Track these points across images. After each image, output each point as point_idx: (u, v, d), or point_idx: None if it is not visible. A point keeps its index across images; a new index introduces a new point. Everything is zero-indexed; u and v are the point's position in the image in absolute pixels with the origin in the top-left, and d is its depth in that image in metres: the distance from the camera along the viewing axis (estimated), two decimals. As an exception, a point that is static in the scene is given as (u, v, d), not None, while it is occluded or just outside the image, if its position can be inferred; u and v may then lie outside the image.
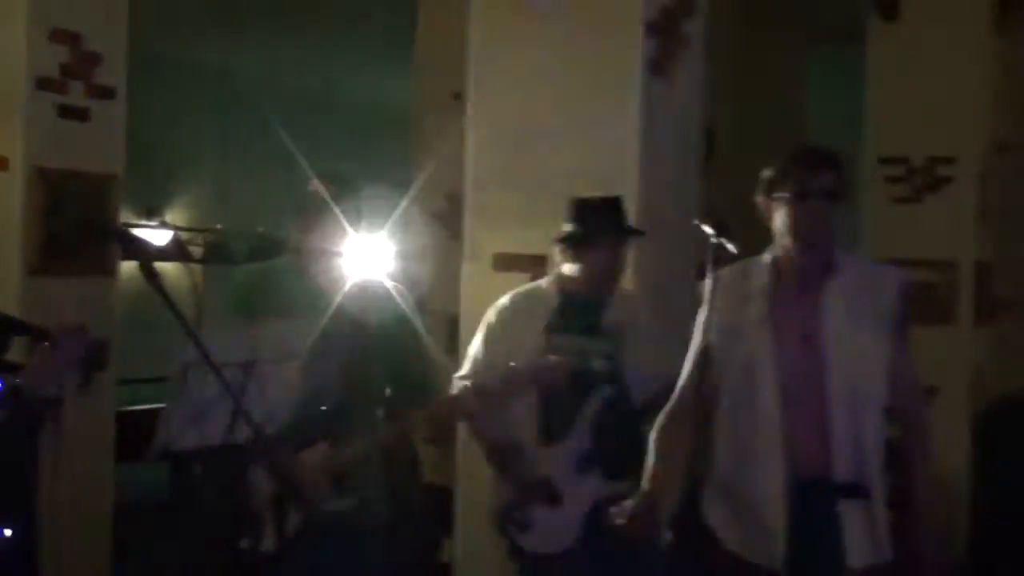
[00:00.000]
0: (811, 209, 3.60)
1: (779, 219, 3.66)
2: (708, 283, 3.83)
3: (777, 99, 9.45)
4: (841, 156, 3.81)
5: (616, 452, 4.26)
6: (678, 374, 3.99)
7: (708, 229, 3.60)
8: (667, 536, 3.94)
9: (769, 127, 8.78)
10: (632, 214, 4.68)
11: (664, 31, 5.16)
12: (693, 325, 3.92)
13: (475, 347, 4.49)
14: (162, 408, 3.31)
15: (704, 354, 3.78)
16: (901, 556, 3.72)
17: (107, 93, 5.84)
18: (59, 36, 5.58)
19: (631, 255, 4.62)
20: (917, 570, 3.74)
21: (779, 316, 3.68)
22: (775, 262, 3.72)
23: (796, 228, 3.62)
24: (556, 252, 4.49)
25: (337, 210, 4.01)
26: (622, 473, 4.17)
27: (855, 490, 3.61)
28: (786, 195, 3.62)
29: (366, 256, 4.09)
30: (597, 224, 4.38)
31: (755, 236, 3.84)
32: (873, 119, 8.27)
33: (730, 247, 3.57)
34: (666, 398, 4.02)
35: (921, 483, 3.77)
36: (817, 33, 9.71)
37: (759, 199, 3.74)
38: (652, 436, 3.92)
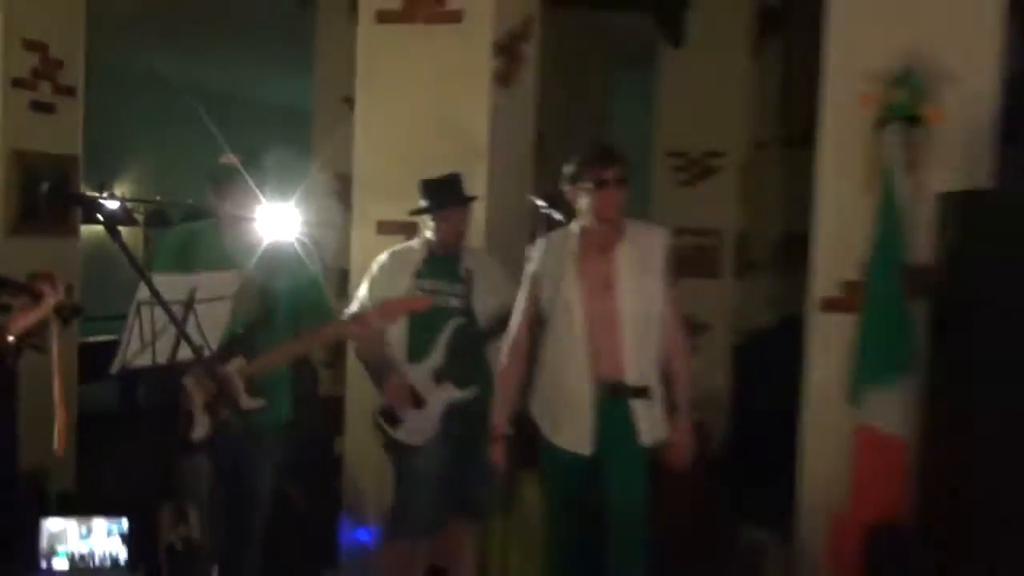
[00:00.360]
0: (605, 195, 3.87)
1: (583, 202, 3.91)
2: (537, 244, 4.15)
3: (591, 107, 9.47)
4: (624, 152, 4.04)
5: (464, 367, 4.36)
6: (510, 308, 4.21)
7: (540, 202, 3.99)
8: (509, 429, 4.05)
9: (585, 129, 8.82)
10: (481, 191, 4.78)
11: (507, 52, 5.19)
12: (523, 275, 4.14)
13: (362, 290, 4.49)
14: (119, 337, 3.28)
15: (532, 299, 4.04)
16: (670, 438, 3.99)
17: (69, 92, 6.05)
18: (31, 46, 5.75)
19: (478, 218, 4.71)
20: (678, 446, 3.99)
21: (586, 270, 3.94)
22: (582, 231, 3.98)
23: (595, 209, 3.89)
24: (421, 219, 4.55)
25: (246, 178, 3.90)
26: (468, 383, 4.34)
27: (641, 391, 3.89)
28: (588, 185, 3.87)
29: (278, 221, 4.01)
30: (440, 197, 4.41)
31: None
32: (662, 122, 8.59)
33: (557, 216, 3.95)
34: (502, 326, 4.25)
35: (681, 388, 4.02)
36: (622, 57, 9.70)
37: (566, 187, 3.98)
38: (499, 370, 4.13)
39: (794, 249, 6.18)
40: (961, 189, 4.21)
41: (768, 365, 4.90)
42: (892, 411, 4.33)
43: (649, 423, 3.92)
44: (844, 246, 4.55)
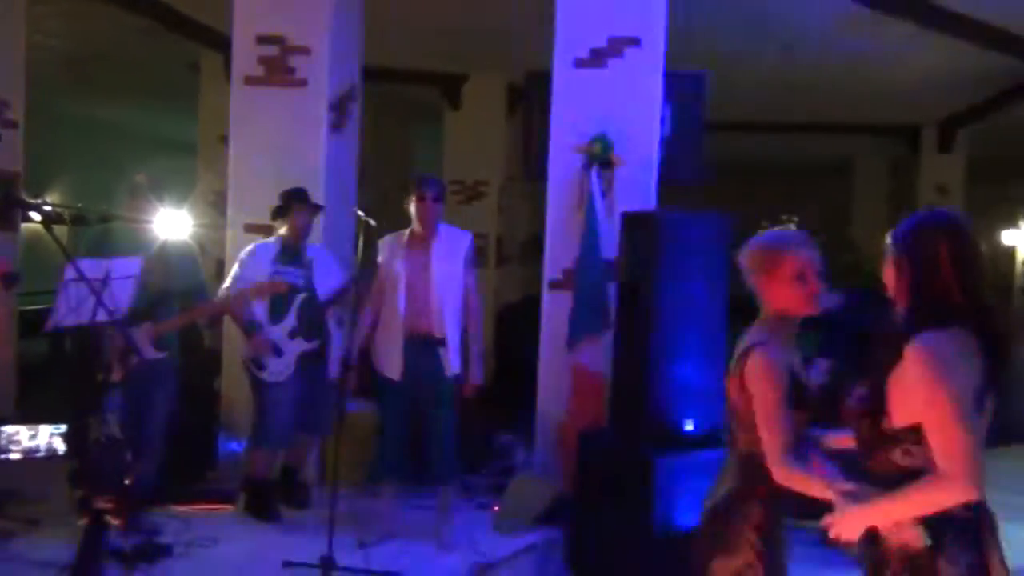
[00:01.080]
0: (425, 207, 4.03)
1: (413, 211, 4.06)
2: (384, 241, 4.14)
3: (398, 148, 9.49)
4: (440, 180, 4.26)
5: (310, 327, 4.33)
6: (344, 287, 4.30)
7: (361, 214, 3.98)
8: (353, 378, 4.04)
9: (393, 164, 8.96)
10: (320, 201, 4.64)
11: (338, 108, 5.13)
12: (352, 263, 4.18)
13: (234, 272, 4.36)
14: (52, 306, 3.24)
15: (380, 277, 4.11)
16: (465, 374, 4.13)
17: (12, 125, 5.75)
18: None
19: (317, 224, 4.59)
20: (469, 380, 4.16)
21: (410, 258, 4.05)
22: (411, 231, 4.11)
23: (419, 217, 4.05)
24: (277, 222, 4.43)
25: (151, 191, 3.94)
26: (313, 338, 4.32)
27: (443, 341, 4.02)
28: (415, 200, 4.02)
29: (172, 223, 4.02)
30: (293, 201, 4.34)
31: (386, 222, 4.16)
32: (448, 160, 8.74)
33: (372, 222, 3.92)
34: (335, 299, 4.34)
35: (475, 342, 4.17)
36: (419, 115, 9.63)
37: (406, 201, 4.09)
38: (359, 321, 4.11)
39: (534, 248, 6.37)
40: (636, 210, 4.38)
41: (518, 327, 5.00)
42: (596, 355, 4.50)
43: (449, 363, 4.04)
44: (564, 246, 4.67)
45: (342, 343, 4.22)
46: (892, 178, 13.00)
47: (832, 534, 1.91)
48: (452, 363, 4.07)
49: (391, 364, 4.05)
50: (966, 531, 1.85)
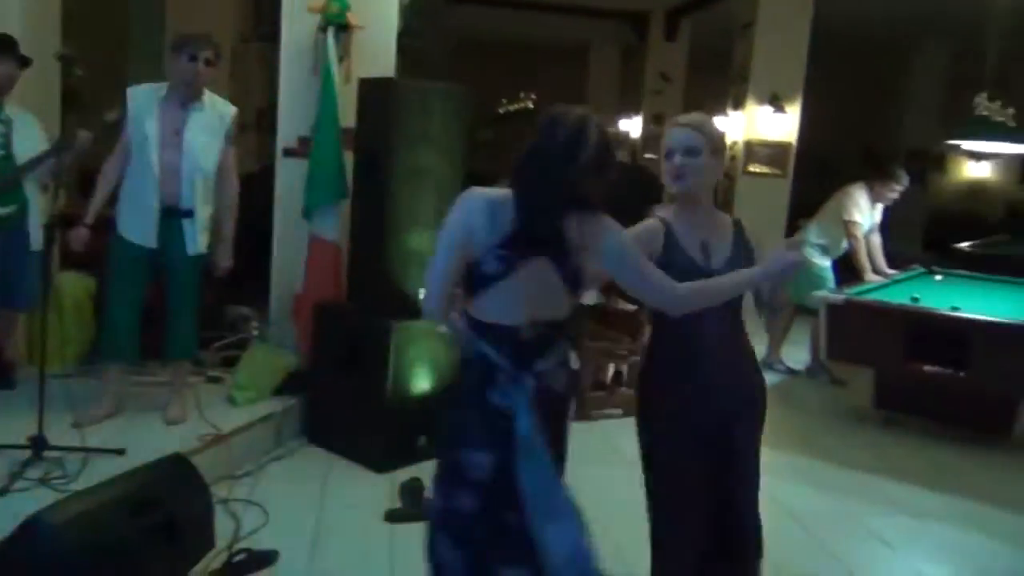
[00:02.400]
0: (196, 69, 3.63)
1: (177, 71, 3.65)
2: (129, 93, 3.71)
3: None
4: (215, 42, 3.77)
5: (4, 190, 3.91)
6: (46, 154, 3.80)
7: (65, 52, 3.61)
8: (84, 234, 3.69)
9: (106, 18, 8.16)
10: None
11: None
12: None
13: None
14: None
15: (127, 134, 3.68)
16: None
17: None
18: None
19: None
20: (219, 261, 3.89)
21: (164, 119, 3.67)
22: (168, 91, 3.69)
23: (187, 79, 3.65)
24: None
25: None
26: (9, 203, 3.92)
27: (190, 214, 3.72)
28: (184, 58, 3.61)
29: None
30: None
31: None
32: (170, 17, 7.90)
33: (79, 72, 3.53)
34: (34, 164, 3.86)
35: (225, 219, 3.92)
36: None
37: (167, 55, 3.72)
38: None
39: (268, 115, 6.12)
40: (373, 76, 4.33)
41: (255, 198, 4.80)
42: (332, 225, 4.42)
43: (192, 237, 3.77)
44: (299, 112, 4.54)
45: (48, 209, 3.84)
46: (623, 64, 13.72)
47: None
48: (198, 240, 3.81)
49: (141, 231, 3.73)
50: None
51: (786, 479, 4.33)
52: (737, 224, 2.47)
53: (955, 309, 4.74)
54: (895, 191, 5.93)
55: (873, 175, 6.03)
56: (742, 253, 2.40)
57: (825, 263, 6.15)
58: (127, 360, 3.91)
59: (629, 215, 2.29)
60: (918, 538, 3.75)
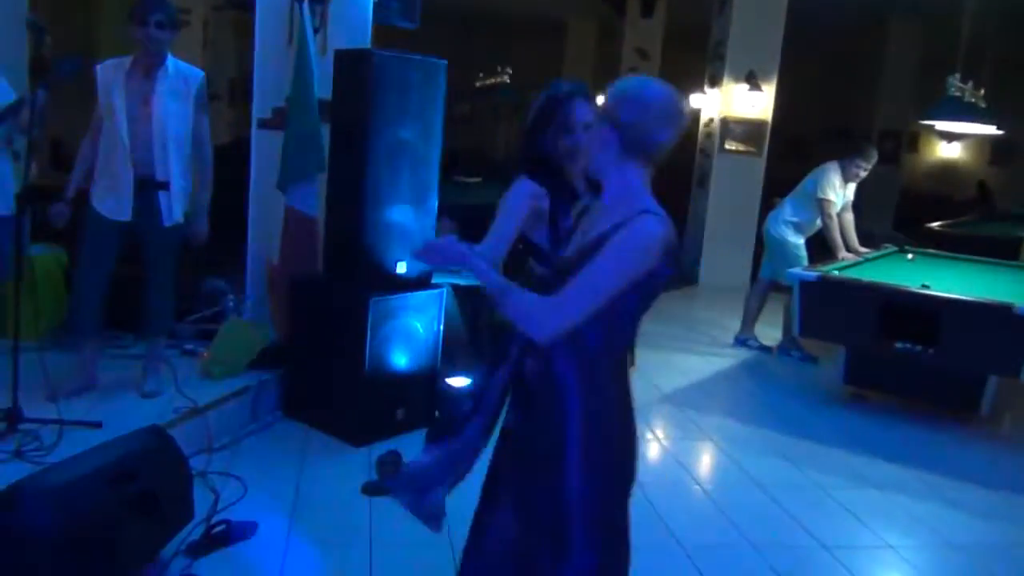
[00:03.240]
0: (148, 33, 3.58)
1: (136, 38, 3.62)
2: (99, 68, 3.70)
3: None
4: (169, 4, 3.71)
5: None
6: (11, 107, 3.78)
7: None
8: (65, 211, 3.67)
9: None
10: None
11: None
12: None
13: None
14: None
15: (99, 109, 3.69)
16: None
17: None
18: None
19: None
20: (195, 232, 3.89)
21: (131, 89, 3.64)
22: (133, 61, 3.68)
23: (144, 44, 3.63)
24: None
25: None
26: None
27: (165, 185, 3.70)
28: (136, 24, 3.60)
29: None
30: None
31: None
32: None
33: (48, 39, 3.48)
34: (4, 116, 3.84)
35: (201, 188, 3.90)
36: None
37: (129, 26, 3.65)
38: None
39: (243, 86, 6.07)
40: (349, 48, 4.28)
41: (227, 172, 4.75)
42: (308, 198, 4.40)
43: (167, 208, 3.74)
44: (274, 83, 4.49)
45: (20, 178, 3.79)
46: (600, 40, 13.68)
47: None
48: (174, 211, 3.77)
49: (115, 204, 3.69)
50: None
51: (756, 453, 4.41)
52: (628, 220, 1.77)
53: (926, 287, 4.83)
54: (864, 169, 5.99)
55: (847, 155, 6.08)
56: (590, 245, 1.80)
57: (799, 241, 6.22)
58: (94, 333, 3.87)
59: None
60: (886, 511, 3.84)
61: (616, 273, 1.72)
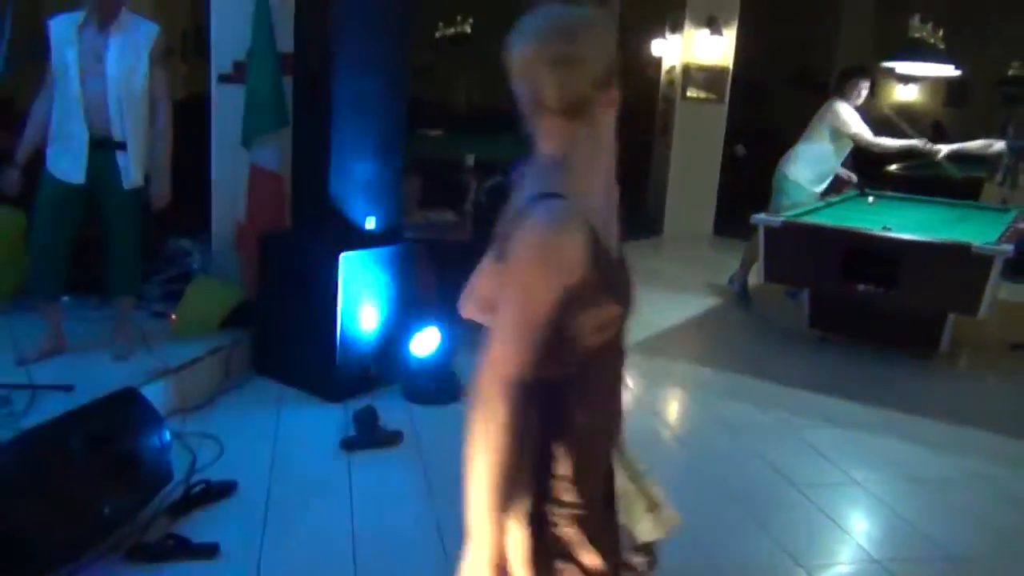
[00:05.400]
0: None
1: None
2: (51, 23, 3.58)
3: None
4: None
5: None
6: None
7: None
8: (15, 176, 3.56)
9: None
10: None
11: None
12: None
13: None
14: None
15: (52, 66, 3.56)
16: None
17: None
18: None
19: None
20: (157, 194, 3.77)
21: (84, 45, 3.53)
22: (85, 16, 3.56)
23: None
24: None
25: None
26: None
27: (123, 145, 3.60)
28: None
29: None
30: None
31: None
32: None
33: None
34: None
35: (160, 148, 3.77)
36: None
37: None
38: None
39: (195, 39, 5.91)
40: None
41: (184, 129, 4.63)
42: (273, 154, 4.32)
43: (126, 169, 3.64)
44: (233, 36, 4.37)
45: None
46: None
47: None
48: (132, 172, 3.67)
49: (69, 165, 3.58)
50: None
51: (723, 395, 4.51)
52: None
53: (886, 229, 4.91)
54: (865, 87, 5.86)
55: (841, 87, 5.97)
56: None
57: (817, 190, 6.11)
58: (53, 297, 3.81)
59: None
60: (851, 448, 3.95)
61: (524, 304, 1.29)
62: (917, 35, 6.18)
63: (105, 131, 3.59)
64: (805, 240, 5.11)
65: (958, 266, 4.58)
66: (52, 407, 2.99)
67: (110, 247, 3.77)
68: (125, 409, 2.83)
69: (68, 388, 3.30)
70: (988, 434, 4.20)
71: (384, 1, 4.05)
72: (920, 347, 5.21)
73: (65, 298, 3.94)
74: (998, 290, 4.96)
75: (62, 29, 3.57)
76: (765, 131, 9.36)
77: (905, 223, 5.22)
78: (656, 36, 9.48)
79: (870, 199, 6.46)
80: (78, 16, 3.59)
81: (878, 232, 4.90)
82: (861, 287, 4.85)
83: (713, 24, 8.69)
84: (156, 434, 2.89)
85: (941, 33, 6.51)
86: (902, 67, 7.84)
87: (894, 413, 4.38)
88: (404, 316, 4.25)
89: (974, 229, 5.22)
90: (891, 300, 4.81)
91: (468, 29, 11.67)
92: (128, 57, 3.61)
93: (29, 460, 2.39)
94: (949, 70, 7.09)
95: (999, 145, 6.14)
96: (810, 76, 12.13)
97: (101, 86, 3.55)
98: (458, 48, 12.04)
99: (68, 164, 3.58)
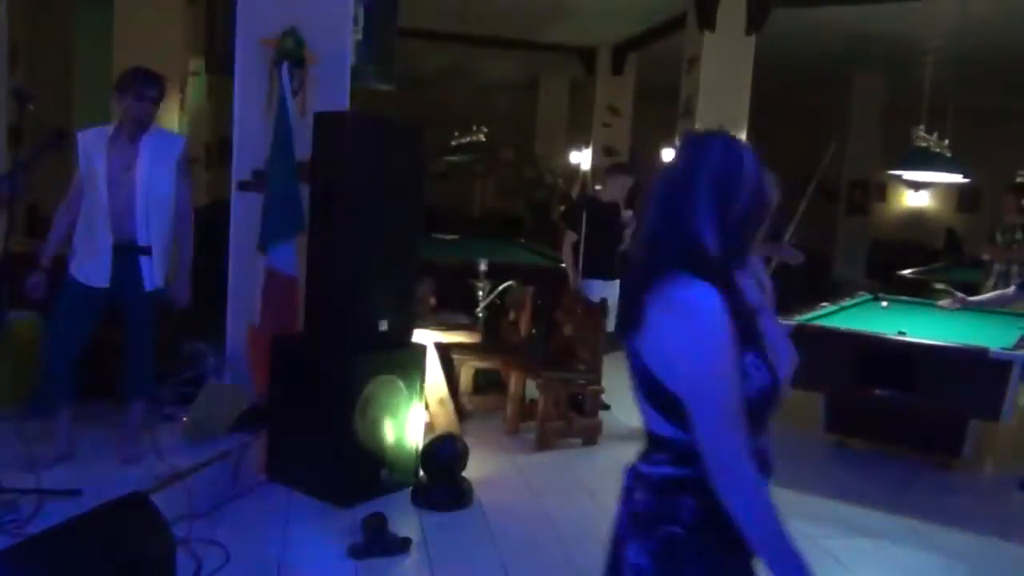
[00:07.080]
0: (145, 107, 3.76)
1: (124, 108, 3.74)
2: (80, 136, 3.81)
3: (60, 33, 8.67)
4: (161, 78, 3.90)
5: None
6: None
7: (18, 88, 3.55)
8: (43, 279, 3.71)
9: (52, 49, 8.09)
10: None
11: None
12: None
13: None
14: None
15: (79, 176, 3.78)
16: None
17: None
18: None
19: None
20: (176, 297, 4.01)
21: (113, 156, 3.74)
22: (116, 128, 3.77)
23: (134, 115, 3.76)
24: None
25: None
26: None
27: (147, 250, 3.78)
28: (131, 97, 3.73)
29: None
30: None
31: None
32: (118, 47, 7.87)
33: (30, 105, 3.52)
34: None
35: (182, 253, 4.00)
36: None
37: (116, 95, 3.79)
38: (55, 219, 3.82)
39: (218, 149, 6.10)
40: (328, 111, 4.31)
41: (205, 236, 4.77)
42: (289, 258, 4.41)
43: (149, 274, 3.78)
44: (253, 145, 4.56)
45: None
46: (572, 97, 13.91)
47: None
48: (155, 276, 3.80)
49: (94, 270, 3.71)
50: None
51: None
52: None
53: (902, 334, 4.89)
54: None
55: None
56: None
57: None
58: (67, 402, 3.84)
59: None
60: (875, 559, 3.84)
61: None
62: (922, 144, 6.31)
63: (131, 237, 3.73)
64: (819, 344, 5.07)
65: (976, 371, 4.53)
66: (59, 512, 2.98)
67: (129, 349, 3.83)
68: (132, 515, 2.79)
69: (75, 493, 3.28)
70: (1011, 544, 4.08)
71: (398, 120, 4.18)
72: (941, 453, 5.11)
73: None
74: (1020, 395, 4.90)
75: (92, 140, 3.74)
76: (775, 237, 9.40)
77: (920, 327, 5.20)
78: (667, 144, 9.71)
79: (884, 303, 6.47)
80: (108, 128, 3.76)
81: (893, 336, 4.87)
82: (879, 391, 4.78)
83: (722, 134, 8.86)
84: (162, 541, 2.84)
85: (947, 142, 6.65)
86: (909, 174, 7.97)
87: (916, 522, 4.27)
88: (416, 419, 4.24)
89: (991, 333, 5.19)
90: (910, 403, 4.75)
91: (482, 137, 11.99)
92: (158, 166, 3.78)
93: (36, 566, 2.36)
94: (956, 177, 7.20)
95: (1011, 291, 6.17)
96: (819, 185, 12.26)
97: (130, 194, 3.71)
98: (473, 154, 12.33)
99: (93, 269, 3.70)
